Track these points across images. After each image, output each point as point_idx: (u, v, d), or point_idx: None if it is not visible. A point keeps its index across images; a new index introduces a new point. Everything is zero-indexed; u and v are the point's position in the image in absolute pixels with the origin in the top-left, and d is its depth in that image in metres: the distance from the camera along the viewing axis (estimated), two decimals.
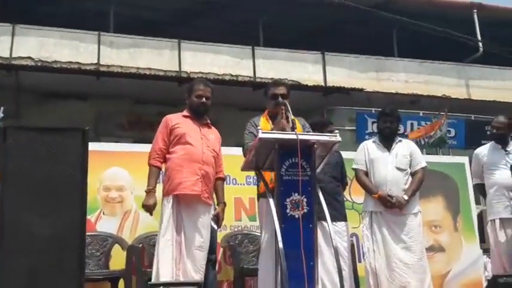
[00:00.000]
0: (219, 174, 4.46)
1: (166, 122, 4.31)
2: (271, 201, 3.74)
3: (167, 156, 4.24)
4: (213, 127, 4.48)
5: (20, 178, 3.45)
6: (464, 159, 7.16)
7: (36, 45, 11.54)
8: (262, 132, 3.76)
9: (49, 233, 3.42)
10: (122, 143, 8.93)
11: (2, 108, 5.70)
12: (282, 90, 4.31)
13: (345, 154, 5.30)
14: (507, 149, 5.39)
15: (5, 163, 3.43)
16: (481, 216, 7.60)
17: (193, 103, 4.35)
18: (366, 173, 4.92)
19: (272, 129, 4.07)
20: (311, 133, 4.17)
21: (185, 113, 4.38)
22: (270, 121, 4.26)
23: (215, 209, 4.44)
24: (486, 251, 7.08)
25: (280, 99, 4.21)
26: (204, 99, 4.34)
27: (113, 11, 12.70)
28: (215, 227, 4.38)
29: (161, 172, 4.45)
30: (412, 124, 12.89)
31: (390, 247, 4.63)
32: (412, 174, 4.84)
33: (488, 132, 12.72)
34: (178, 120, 4.30)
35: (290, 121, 3.95)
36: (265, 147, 3.83)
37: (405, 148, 4.93)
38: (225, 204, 4.62)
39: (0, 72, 10.63)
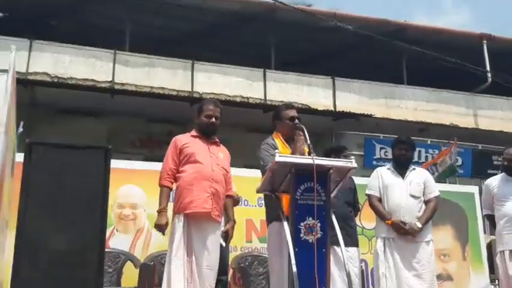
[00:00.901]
0: (229, 192, 4.50)
1: (175, 143, 4.35)
2: (285, 224, 3.78)
3: (177, 175, 4.28)
4: (221, 145, 4.53)
5: (42, 193, 3.52)
6: (474, 189, 7.21)
7: (52, 61, 11.70)
8: (280, 156, 3.82)
9: (68, 248, 3.47)
10: (132, 160, 9.03)
11: (22, 123, 5.78)
12: (296, 113, 4.37)
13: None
14: None
15: (28, 177, 3.52)
16: (490, 246, 7.61)
17: (202, 123, 4.40)
18: (380, 199, 4.96)
19: (292, 153, 4.10)
20: (327, 158, 4.22)
21: (194, 133, 4.44)
22: (286, 144, 4.30)
23: (224, 226, 4.48)
24: (494, 281, 7.09)
25: (296, 121, 4.27)
26: (213, 119, 4.40)
27: (129, 30, 12.89)
28: (223, 243, 4.40)
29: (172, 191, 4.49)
30: (420, 152, 12.94)
31: (402, 274, 4.65)
32: (426, 203, 4.89)
33: (495, 162, 12.81)
34: (187, 140, 4.36)
35: (309, 146, 4.02)
36: (281, 171, 3.89)
37: (419, 176, 4.99)
38: (234, 221, 4.64)
39: (17, 87, 10.74)
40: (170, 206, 4.34)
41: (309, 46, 14.47)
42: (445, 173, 11.23)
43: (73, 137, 10.10)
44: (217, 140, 4.49)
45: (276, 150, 3.94)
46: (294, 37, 13.89)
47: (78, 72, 11.72)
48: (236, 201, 5.32)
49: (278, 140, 4.32)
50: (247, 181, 4.57)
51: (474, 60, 13.32)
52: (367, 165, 12.07)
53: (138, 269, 5.15)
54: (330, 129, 12.61)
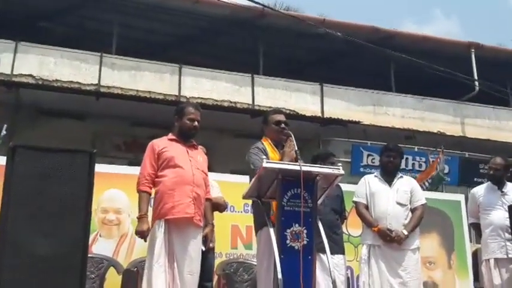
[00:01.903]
0: (207, 195, 4.44)
1: (153, 147, 4.26)
2: (271, 231, 3.74)
3: (156, 180, 4.20)
4: (199, 148, 4.47)
5: (25, 197, 3.46)
6: (460, 197, 7.23)
7: (37, 63, 11.58)
8: (267, 162, 3.78)
9: (50, 253, 3.41)
10: (117, 164, 8.94)
11: (4, 126, 5.70)
12: (284, 117, 4.34)
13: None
14: (503, 189, 5.44)
15: (11, 181, 3.45)
16: (475, 255, 7.62)
17: (185, 126, 4.33)
18: (366, 206, 4.96)
19: (281, 158, 4.05)
20: (314, 165, 4.19)
21: (171, 136, 4.36)
22: (275, 148, 4.26)
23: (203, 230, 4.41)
24: None
25: (283, 125, 4.24)
26: (195, 123, 4.35)
27: (116, 33, 12.81)
28: (203, 248, 4.34)
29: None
30: (407, 159, 12.95)
31: (386, 281, 4.64)
32: (412, 211, 4.89)
33: (482, 171, 12.87)
34: (165, 144, 4.27)
35: (296, 152, 3.99)
36: (269, 177, 3.85)
37: (406, 184, 5.00)
38: (213, 225, 4.62)
39: (1, 89, 10.63)
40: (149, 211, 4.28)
41: (297, 52, 14.50)
42: (434, 182, 11.27)
43: (58, 140, 9.96)
44: (194, 143, 4.43)
45: (264, 157, 3.90)
46: (282, 43, 13.90)
47: (63, 75, 11.62)
48: (223, 206, 5.28)
49: (267, 144, 4.29)
50: (234, 187, 4.54)
51: (462, 68, 13.40)
52: (355, 172, 12.07)
53: (121, 275, 5.08)
54: (317, 135, 12.60)
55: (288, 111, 11.89)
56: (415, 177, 9.00)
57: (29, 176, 3.44)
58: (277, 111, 4.53)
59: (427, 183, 11.05)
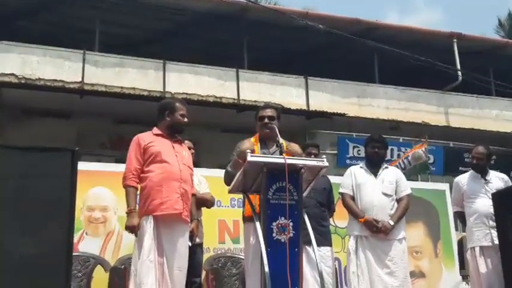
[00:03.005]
0: (192, 190, 4.42)
1: (138, 141, 4.20)
2: (257, 224, 3.75)
3: (142, 175, 4.15)
4: (184, 143, 4.46)
5: (9, 196, 3.43)
6: (445, 186, 7.28)
7: (19, 62, 11.45)
8: (251, 156, 3.79)
9: (35, 251, 3.39)
10: (103, 162, 8.90)
11: None
12: (269, 112, 4.36)
13: None
14: (486, 178, 5.50)
15: None
16: (461, 243, 7.69)
17: (177, 121, 4.31)
18: (353, 198, 4.98)
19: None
20: (298, 157, 4.20)
21: (156, 131, 4.31)
22: (259, 144, 4.29)
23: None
24: (465, 277, 7.18)
25: (266, 120, 4.27)
26: (186, 119, 4.34)
27: (98, 30, 12.71)
28: (189, 243, 4.32)
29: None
30: (392, 150, 13.03)
31: (374, 271, 4.67)
32: (398, 201, 4.93)
33: (466, 160, 12.99)
34: (150, 139, 4.23)
35: (280, 145, 4.00)
36: (253, 170, 3.86)
37: (391, 175, 5.03)
38: (198, 220, 4.61)
39: None
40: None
41: (281, 46, 14.48)
42: (416, 168, 11.33)
43: (42, 139, 9.89)
44: (179, 138, 4.41)
45: (248, 151, 3.91)
46: (266, 37, 13.88)
47: (46, 73, 11.49)
48: (211, 202, 5.28)
49: (254, 140, 4.33)
50: (220, 182, 4.52)
51: (445, 58, 13.48)
52: (341, 164, 12.13)
53: (108, 273, 5.07)
54: (303, 128, 12.62)
55: (273, 105, 11.91)
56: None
57: (10, 176, 3.40)
58: (264, 106, 4.55)
59: (408, 164, 11.09)
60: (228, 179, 4.21)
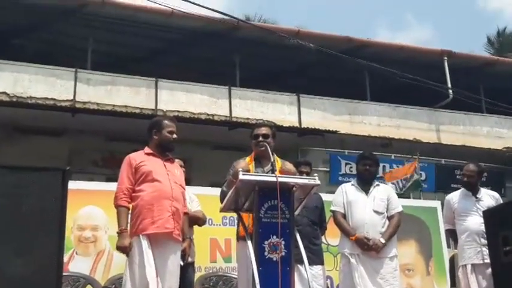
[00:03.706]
0: (184, 209, 4.40)
1: (130, 161, 4.20)
2: (249, 243, 3.74)
3: (133, 195, 4.14)
4: (176, 161, 4.45)
5: None
6: (437, 204, 7.29)
7: (11, 81, 11.44)
8: (243, 174, 3.79)
9: (24, 272, 3.35)
10: (95, 180, 8.87)
11: None
12: (263, 130, 4.37)
13: None
14: (477, 195, 5.51)
15: None
16: (452, 261, 7.68)
17: (165, 139, 4.30)
18: (344, 215, 4.97)
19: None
20: (290, 176, 4.20)
21: (147, 150, 4.31)
22: (253, 163, 4.30)
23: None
24: None
25: (260, 138, 4.28)
26: (174, 135, 4.33)
27: (90, 48, 12.73)
28: (181, 263, 4.30)
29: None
30: (384, 167, 13.06)
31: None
32: (389, 218, 4.93)
33: (458, 177, 13.03)
34: (142, 158, 4.23)
35: (272, 163, 4.01)
36: (245, 189, 3.86)
37: (383, 192, 5.03)
38: (191, 239, 4.60)
39: None
40: None
41: (272, 64, 14.56)
42: (410, 187, 11.38)
43: (34, 157, 9.87)
44: (170, 156, 4.40)
45: (239, 169, 3.92)
46: (257, 54, 13.95)
47: (38, 91, 11.49)
48: (202, 220, 5.27)
49: (249, 159, 4.35)
50: (212, 200, 4.53)
51: (436, 76, 13.58)
52: (333, 181, 12.13)
53: None
54: (295, 145, 12.64)
55: (268, 123, 11.94)
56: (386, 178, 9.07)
57: (1, 195, 3.37)
58: (259, 124, 4.59)
59: (401, 184, 11.13)
60: (222, 198, 4.21)
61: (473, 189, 5.54)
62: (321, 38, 13.19)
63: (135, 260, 3.97)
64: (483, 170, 5.76)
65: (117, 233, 4.10)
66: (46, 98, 11.46)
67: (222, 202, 4.18)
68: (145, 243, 3.99)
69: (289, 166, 4.39)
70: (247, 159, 4.36)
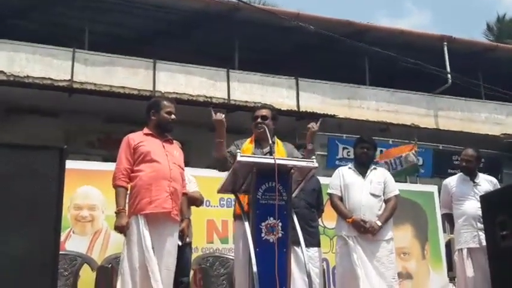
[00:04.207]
0: (183, 189, 4.42)
1: (128, 142, 4.22)
2: (246, 224, 3.75)
3: (132, 175, 4.16)
4: (174, 142, 4.45)
5: None
6: (433, 188, 7.30)
7: (8, 60, 11.37)
8: (241, 155, 3.78)
9: (20, 251, 3.34)
10: (91, 160, 8.83)
11: None
12: (263, 112, 4.38)
13: None
14: (475, 180, 5.52)
15: None
16: (449, 245, 7.72)
17: (163, 119, 4.31)
18: (341, 198, 4.99)
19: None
20: (288, 158, 4.19)
21: (146, 131, 4.32)
22: (254, 144, 4.29)
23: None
24: (453, 279, 7.21)
25: (259, 120, 4.27)
26: (173, 116, 4.34)
27: (88, 28, 12.63)
28: (179, 243, 4.32)
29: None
30: (381, 151, 13.07)
31: (363, 270, 4.66)
32: (386, 202, 4.94)
33: (455, 162, 13.06)
34: (140, 139, 4.24)
35: (270, 145, 4.01)
36: (243, 171, 3.86)
37: (380, 175, 5.05)
38: (189, 219, 4.64)
39: None
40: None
41: (272, 46, 14.48)
42: (407, 170, 11.38)
43: (29, 137, 9.83)
44: (170, 137, 4.41)
45: (238, 150, 3.91)
46: (257, 37, 13.86)
47: (35, 71, 11.43)
48: (200, 201, 5.29)
49: (249, 140, 4.36)
50: (209, 181, 4.53)
51: (435, 61, 13.53)
52: (330, 165, 12.13)
53: (95, 272, 5.03)
54: (293, 129, 12.60)
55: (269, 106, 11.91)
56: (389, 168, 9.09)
57: None
58: (258, 107, 4.58)
59: (400, 165, 11.12)
60: (216, 164, 4.28)
61: (471, 174, 5.54)
62: (321, 21, 13.11)
63: (132, 239, 4.00)
64: (481, 155, 5.76)
65: (115, 212, 4.14)
66: (43, 78, 11.40)
67: (218, 168, 4.25)
68: (142, 223, 4.01)
69: (289, 148, 4.41)
70: (248, 141, 4.35)
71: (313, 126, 4.38)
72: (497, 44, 17.26)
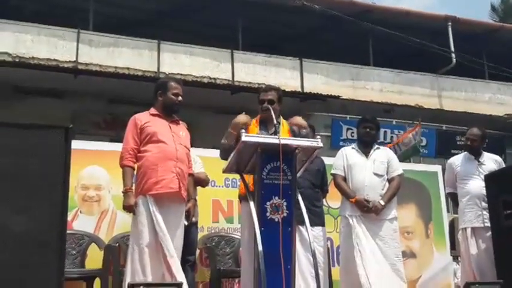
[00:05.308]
0: (189, 170, 4.43)
1: (135, 122, 4.24)
2: (251, 204, 3.78)
3: (139, 155, 4.19)
4: (181, 123, 4.46)
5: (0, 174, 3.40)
6: (437, 168, 7.31)
7: (13, 41, 11.38)
8: (246, 135, 3.81)
9: (27, 229, 3.37)
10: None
11: None
12: (269, 95, 4.37)
13: None
14: (480, 159, 5.50)
15: None
16: (452, 224, 7.76)
17: (170, 100, 4.32)
18: (344, 178, 5.00)
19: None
20: (293, 138, 4.21)
21: (153, 111, 4.33)
22: (259, 126, 4.31)
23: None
24: (456, 258, 7.27)
25: (265, 104, 4.28)
26: (180, 98, 4.35)
27: (93, 9, 12.60)
28: (185, 222, 4.35)
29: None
30: (385, 132, 13.09)
31: (368, 248, 4.70)
32: (389, 181, 4.95)
33: (458, 143, 13.07)
34: (147, 119, 4.25)
35: (275, 125, 4.03)
36: (248, 151, 3.88)
37: (383, 155, 5.04)
38: (195, 200, 4.67)
39: None
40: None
41: (276, 27, 14.42)
42: (408, 152, 11.40)
43: (35, 119, 9.76)
44: (176, 118, 4.42)
45: (242, 131, 3.93)
46: (261, 18, 13.81)
47: (40, 52, 11.43)
48: (206, 182, 5.32)
49: (254, 121, 4.37)
50: (215, 162, 4.55)
51: (439, 41, 13.49)
52: (334, 146, 12.13)
53: (102, 251, 5.09)
54: (297, 110, 12.50)
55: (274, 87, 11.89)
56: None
57: (2, 153, 3.36)
58: (263, 89, 4.54)
59: (399, 149, 11.15)
60: (221, 151, 4.29)
61: (476, 153, 5.52)
62: (325, 2, 13.04)
63: (140, 219, 4.04)
64: (486, 135, 5.74)
65: (122, 192, 4.17)
66: (48, 59, 11.41)
67: (221, 155, 4.27)
68: (152, 203, 4.05)
69: (298, 119, 4.42)
70: (253, 121, 4.37)
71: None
72: (502, 24, 17.14)
